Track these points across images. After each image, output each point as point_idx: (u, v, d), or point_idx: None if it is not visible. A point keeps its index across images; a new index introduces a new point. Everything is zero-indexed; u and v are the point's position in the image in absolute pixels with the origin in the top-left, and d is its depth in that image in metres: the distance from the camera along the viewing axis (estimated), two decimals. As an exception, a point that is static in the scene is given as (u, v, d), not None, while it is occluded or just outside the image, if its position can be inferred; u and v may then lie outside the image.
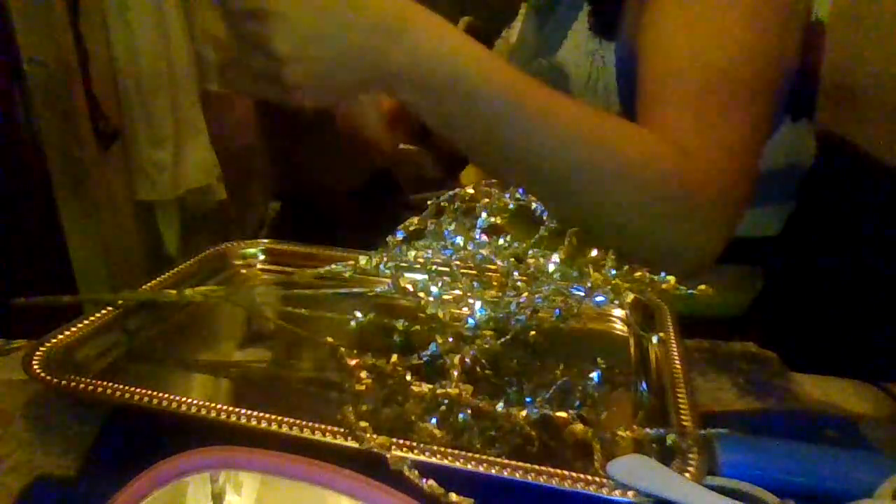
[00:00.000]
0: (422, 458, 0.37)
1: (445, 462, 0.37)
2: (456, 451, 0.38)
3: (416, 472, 0.36)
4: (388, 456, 0.37)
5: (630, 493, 0.35)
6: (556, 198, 0.52)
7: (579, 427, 0.41)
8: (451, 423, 0.42)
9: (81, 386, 0.42)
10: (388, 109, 0.95)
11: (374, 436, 0.38)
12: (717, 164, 0.54)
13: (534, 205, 0.50)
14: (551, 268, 0.48)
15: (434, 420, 0.42)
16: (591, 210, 0.53)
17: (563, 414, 0.42)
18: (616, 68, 0.65)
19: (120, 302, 0.53)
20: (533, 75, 0.66)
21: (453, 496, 0.34)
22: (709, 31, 0.57)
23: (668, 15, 0.58)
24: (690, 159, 0.53)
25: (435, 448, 0.38)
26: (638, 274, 0.47)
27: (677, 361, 0.48)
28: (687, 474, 0.36)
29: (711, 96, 0.56)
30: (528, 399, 0.45)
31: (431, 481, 0.35)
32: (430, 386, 0.44)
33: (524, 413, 0.42)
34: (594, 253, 0.49)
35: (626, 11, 0.64)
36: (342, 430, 0.39)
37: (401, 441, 0.38)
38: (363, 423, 0.39)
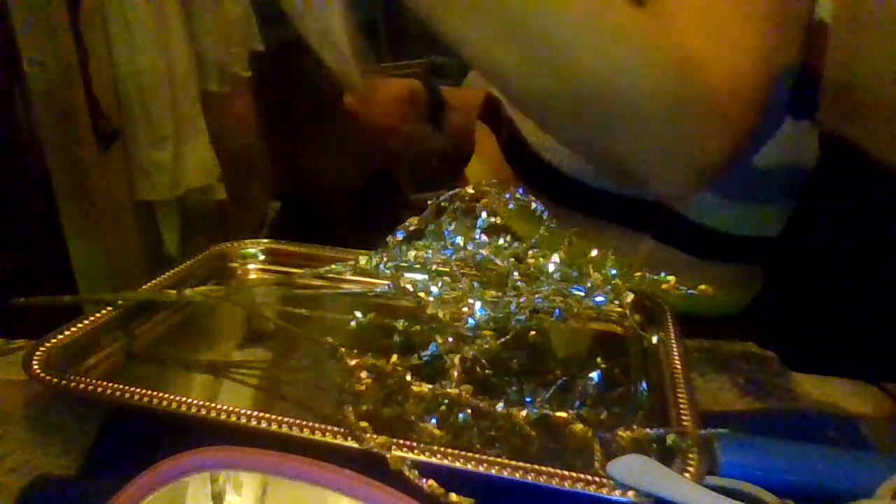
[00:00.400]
0: (422, 458, 0.37)
1: (445, 462, 0.37)
2: (456, 452, 0.38)
3: (416, 472, 0.36)
4: (388, 456, 0.37)
5: (630, 493, 0.35)
6: (565, 86, 0.49)
7: (579, 427, 0.41)
8: (450, 423, 0.42)
9: (81, 386, 0.42)
10: (396, 92, 0.96)
11: (374, 436, 0.38)
12: (726, 63, 0.51)
13: (533, 204, 0.50)
14: (551, 268, 0.48)
15: (434, 420, 0.42)
16: (600, 98, 0.49)
17: (563, 414, 0.42)
18: None
19: (120, 302, 0.53)
20: None
21: (453, 496, 0.34)
22: None
23: None
24: (701, 53, 0.50)
25: (435, 448, 0.38)
26: (638, 274, 0.47)
27: (677, 361, 0.48)
28: (687, 474, 0.36)
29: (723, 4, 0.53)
30: (527, 399, 0.45)
31: (431, 481, 0.35)
32: (431, 386, 0.44)
33: (524, 413, 0.42)
34: (594, 253, 0.49)
35: None
36: (342, 430, 0.39)
37: (401, 441, 0.38)
38: (363, 424, 0.39)
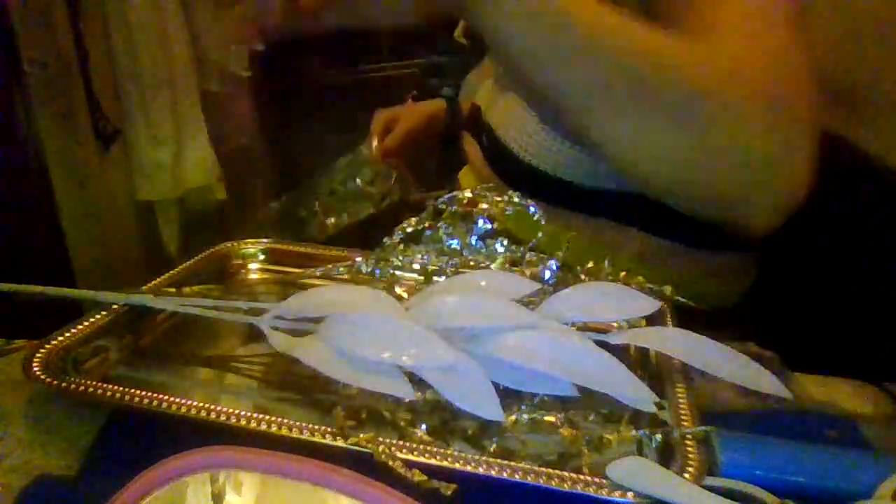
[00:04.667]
0: (421, 459, 0.37)
1: (445, 463, 0.37)
2: (455, 453, 0.38)
3: (400, 462, 0.36)
4: (378, 449, 0.37)
5: (629, 495, 0.35)
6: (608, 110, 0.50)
7: (568, 430, 0.42)
8: (439, 429, 0.42)
9: (81, 388, 0.42)
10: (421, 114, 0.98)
11: (363, 435, 0.38)
12: (768, 70, 0.50)
13: (531, 208, 0.50)
14: (546, 274, 0.48)
15: (424, 427, 0.42)
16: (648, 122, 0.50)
17: (550, 419, 0.43)
18: None
19: (115, 306, 0.53)
20: None
21: (435, 483, 0.35)
22: None
23: None
24: (741, 64, 0.50)
25: (434, 450, 0.38)
26: (632, 282, 0.48)
27: (677, 361, 0.48)
28: (686, 475, 0.36)
29: (757, 13, 0.52)
30: (522, 406, 0.45)
31: (416, 470, 0.35)
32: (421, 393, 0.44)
33: (513, 418, 0.42)
34: (590, 265, 0.49)
35: None
36: (331, 429, 0.39)
37: (389, 441, 0.38)
38: (350, 422, 0.39)
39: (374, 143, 1.00)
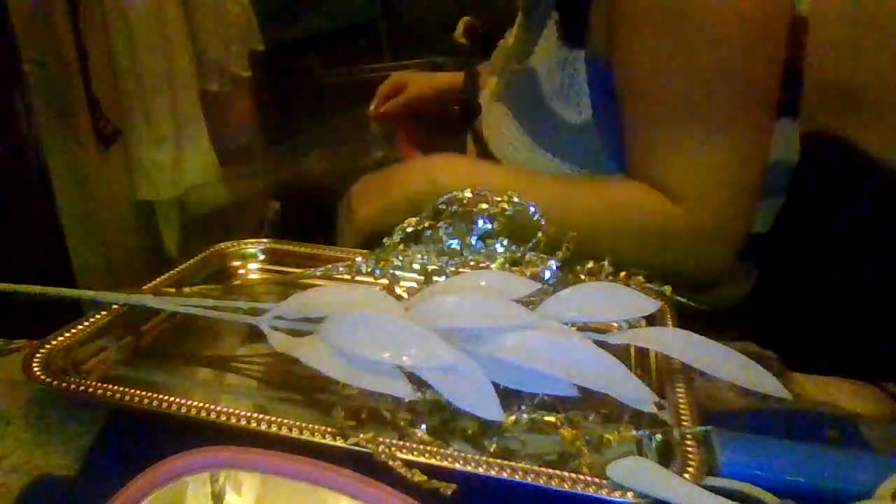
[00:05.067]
0: (421, 459, 0.37)
1: (445, 464, 0.37)
2: (455, 453, 0.38)
3: (400, 462, 0.36)
4: (378, 449, 0.37)
5: (629, 495, 0.35)
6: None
7: (567, 430, 0.42)
8: (439, 429, 0.42)
9: (81, 389, 0.42)
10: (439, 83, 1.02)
11: (363, 436, 0.38)
12: (711, 203, 0.60)
13: (531, 208, 0.50)
14: (547, 274, 0.48)
15: (424, 427, 0.42)
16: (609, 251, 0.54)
17: (550, 419, 0.42)
18: (587, 77, 0.65)
19: (115, 306, 0.53)
20: (508, 80, 0.69)
21: (435, 482, 0.35)
22: (682, 64, 0.58)
23: (639, 49, 0.60)
24: (684, 204, 0.59)
25: (434, 450, 0.38)
26: (632, 282, 0.48)
27: (677, 361, 0.48)
28: (686, 475, 0.36)
29: (695, 130, 0.59)
30: (522, 406, 0.45)
31: (415, 470, 0.35)
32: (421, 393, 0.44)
33: (513, 418, 0.42)
34: (590, 265, 0.49)
35: (593, 20, 0.64)
36: (331, 429, 0.39)
37: (389, 441, 0.38)
38: (350, 422, 0.39)
39: (373, 105, 1.02)
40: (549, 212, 0.50)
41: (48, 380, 0.43)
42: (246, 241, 0.66)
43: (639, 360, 0.52)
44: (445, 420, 0.43)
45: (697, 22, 0.57)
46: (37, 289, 0.52)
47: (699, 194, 0.59)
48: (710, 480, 0.37)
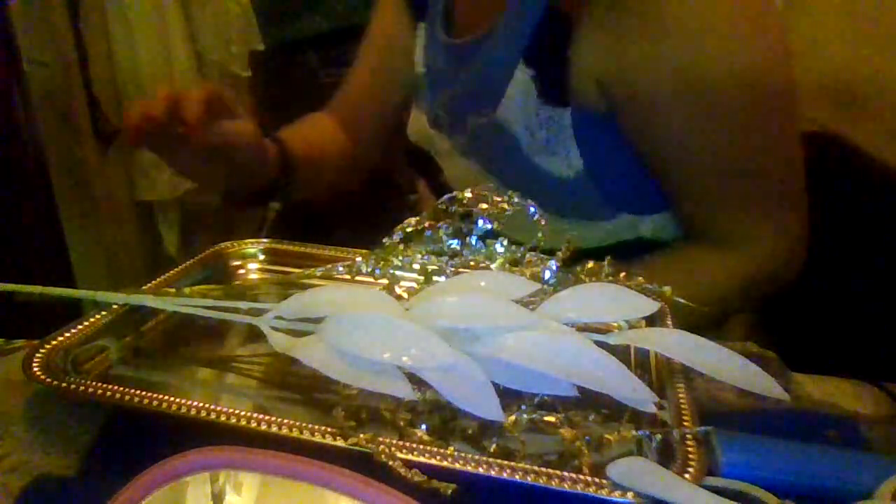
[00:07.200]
0: (421, 459, 0.37)
1: (445, 464, 0.37)
2: (455, 453, 0.38)
3: (400, 462, 0.36)
4: (378, 449, 0.37)
5: (629, 495, 0.35)
6: None
7: (567, 430, 0.42)
8: (439, 429, 0.42)
9: (81, 388, 0.42)
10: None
11: (363, 436, 0.38)
12: (777, 248, 0.65)
13: (531, 209, 0.50)
14: (547, 275, 0.48)
15: (424, 427, 0.42)
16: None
17: (550, 419, 0.42)
18: (576, 134, 0.64)
19: (115, 306, 0.53)
20: (472, 133, 0.70)
21: (435, 482, 0.35)
22: (720, 128, 0.62)
23: (675, 119, 0.62)
24: (754, 259, 0.65)
25: (434, 450, 0.38)
26: (632, 283, 0.48)
27: (677, 361, 0.48)
28: (687, 475, 0.36)
29: (753, 189, 0.64)
30: (522, 406, 0.45)
31: (415, 470, 0.35)
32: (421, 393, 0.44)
33: (513, 418, 0.42)
34: (590, 265, 0.49)
35: (576, 78, 0.62)
36: (331, 429, 0.39)
37: (389, 440, 0.38)
38: (351, 423, 0.39)
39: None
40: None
41: (48, 380, 0.43)
42: (246, 241, 0.66)
43: (639, 360, 0.52)
44: (445, 420, 0.43)
45: (727, 98, 0.60)
46: (37, 289, 0.52)
47: (764, 238, 0.65)
48: (711, 480, 0.37)
